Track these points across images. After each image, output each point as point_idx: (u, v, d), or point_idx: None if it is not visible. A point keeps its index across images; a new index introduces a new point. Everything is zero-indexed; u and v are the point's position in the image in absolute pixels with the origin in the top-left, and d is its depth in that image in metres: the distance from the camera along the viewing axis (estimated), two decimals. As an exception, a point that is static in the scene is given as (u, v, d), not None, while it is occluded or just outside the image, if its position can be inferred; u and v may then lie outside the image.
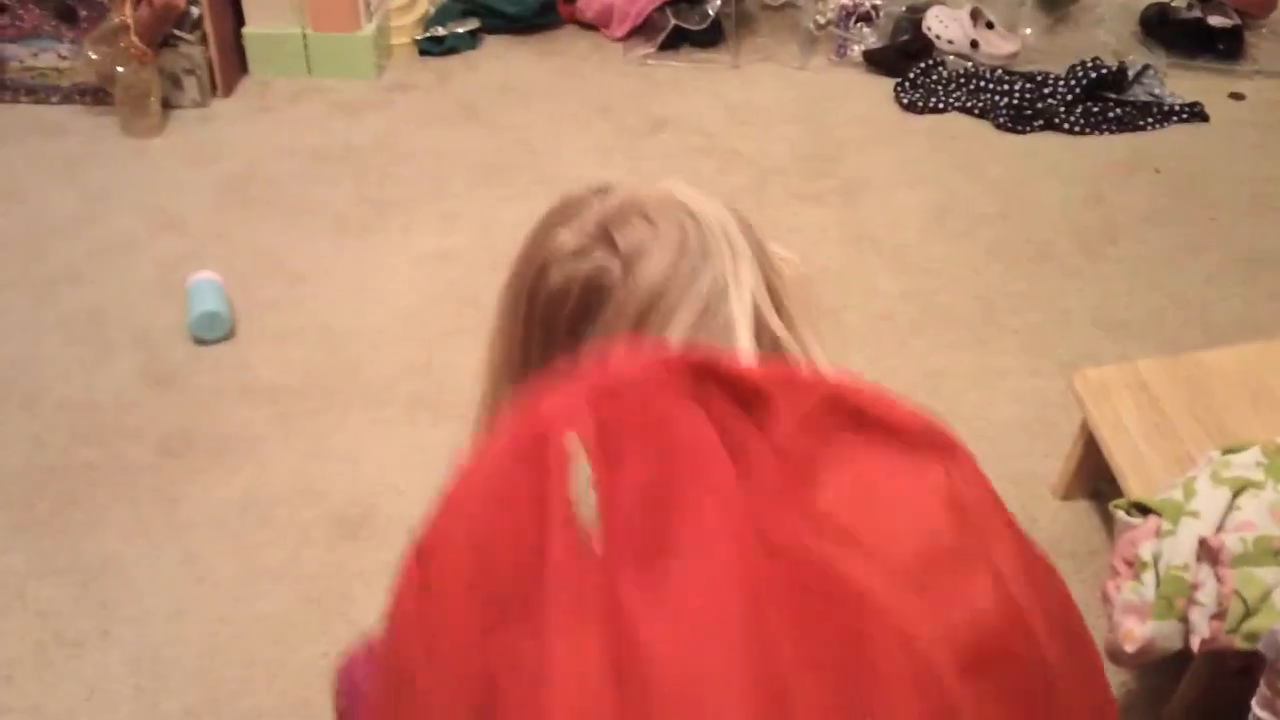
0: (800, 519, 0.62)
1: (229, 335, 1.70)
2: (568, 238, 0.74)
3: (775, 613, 0.57)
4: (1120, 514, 1.17)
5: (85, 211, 1.98)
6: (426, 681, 0.62)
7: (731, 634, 0.55)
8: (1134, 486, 1.25)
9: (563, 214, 0.75)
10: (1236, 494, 1.12)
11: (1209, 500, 1.11)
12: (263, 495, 1.48)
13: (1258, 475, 1.13)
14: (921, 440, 0.66)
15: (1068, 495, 1.48)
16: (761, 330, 0.73)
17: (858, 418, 0.66)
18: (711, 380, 0.64)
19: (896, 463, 0.66)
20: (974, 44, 2.36)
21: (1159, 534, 1.10)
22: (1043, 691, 0.61)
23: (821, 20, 2.44)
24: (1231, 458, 1.17)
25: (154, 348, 1.70)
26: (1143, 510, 1.15)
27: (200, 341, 1.69)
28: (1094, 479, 1.44)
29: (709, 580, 0.57)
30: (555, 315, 0.76)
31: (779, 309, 0.75)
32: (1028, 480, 1.51)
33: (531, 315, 0.78)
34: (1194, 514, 1.10)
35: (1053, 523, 1.46)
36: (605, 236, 0.74)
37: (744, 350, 0.71)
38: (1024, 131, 2.20)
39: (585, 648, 0.56)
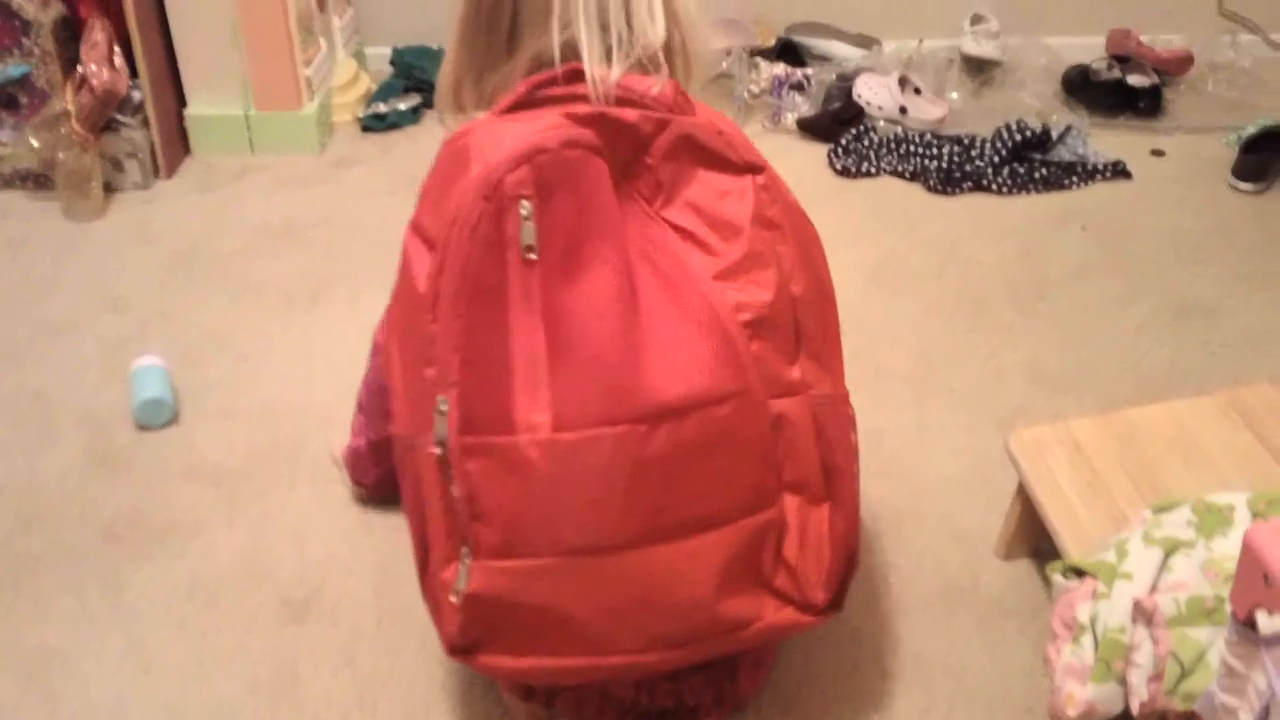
0: (663, 228, 1.14)
1: (173, 420, 1.71)
2: None
3: (644, 288, 1.10)
4: (1056, 577, 1.19)
5: (27, 294, 1.98)
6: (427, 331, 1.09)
7: (616, 305, 1.08)
8: (1070, 547, 1.28)
9: None
10: (1169, 554, 1.13)
11: (1142, 561, 1.13)
12: (209, 578, 1.48)
13: (1189, 534, 1.15)
14: (744, 168, 1.16)
15: (1009, 555, 1.50)
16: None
17: (700, 151, 1.14)
18: (611, 127, 1.10)
19: (725, 185, 1.15)
20: (903, 109, 2.43)
21: (1095, 596, 1.12)
22: (795, 335, 1.17)
23: (755, 90, 2.50)
24: (1163, 516, 1.20)
25: (98, 430, 1.70)
26: (1078, 572, 1.17)
27: (144, 427, 1.69)
28: (1035, 538, 1.47)
29: (604, 279, 1.08)
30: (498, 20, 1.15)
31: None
32: (970, 537, 1.54)
33: (480, 20, 1.17)
34: (1127, 575, 1.12)
35: (995, 580, 1.49)
36: None
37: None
38: (954, 193, 2.26)
39: (534, 335, 1.07)
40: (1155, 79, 2.51)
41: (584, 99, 1.11)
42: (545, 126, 1.09)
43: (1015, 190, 2.27)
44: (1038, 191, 2.27)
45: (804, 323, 1.18)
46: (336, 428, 1.65)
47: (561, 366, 1.07)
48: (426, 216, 1.16)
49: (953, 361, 1.85)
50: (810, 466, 1.18)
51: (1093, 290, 2.01)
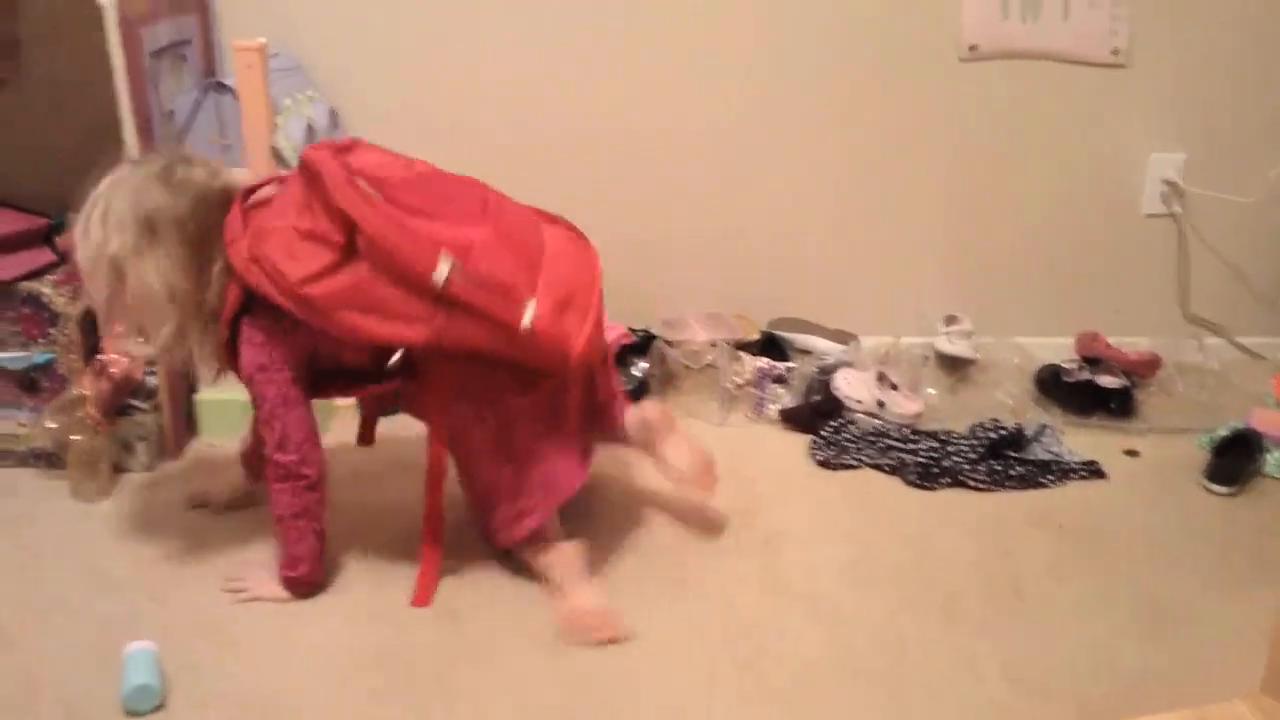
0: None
1: (160, 706, 1.73)
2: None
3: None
4: None
5: (28, 572, 2.03)
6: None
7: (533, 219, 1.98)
8: None
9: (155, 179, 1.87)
10: None
11: None
12: None
13: None
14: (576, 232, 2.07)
15: None
16: None
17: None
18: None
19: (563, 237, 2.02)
20: (880, 404, 2.54)
21: None
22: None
23: (739, 380, 2.62)
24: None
25: (83, 718, 1.71)
26: None
27: (132, 714, 1.71)
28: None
29: (520, 211, 1.97)
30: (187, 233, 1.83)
31: None
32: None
33: (185, 238, 1.83)
34: None
35: None
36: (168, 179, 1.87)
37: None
38: (932, 488, 2.34)
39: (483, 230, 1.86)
40: (1125, 380, 2.62)
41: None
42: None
43: (992, 487, 2.34)
44: (1014, 489, 2.35)
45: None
46: (315, 714, 1.67)
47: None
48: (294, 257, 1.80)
49: (929, 658, 1.87)
50: None
51: (1068, 590, 2.05)
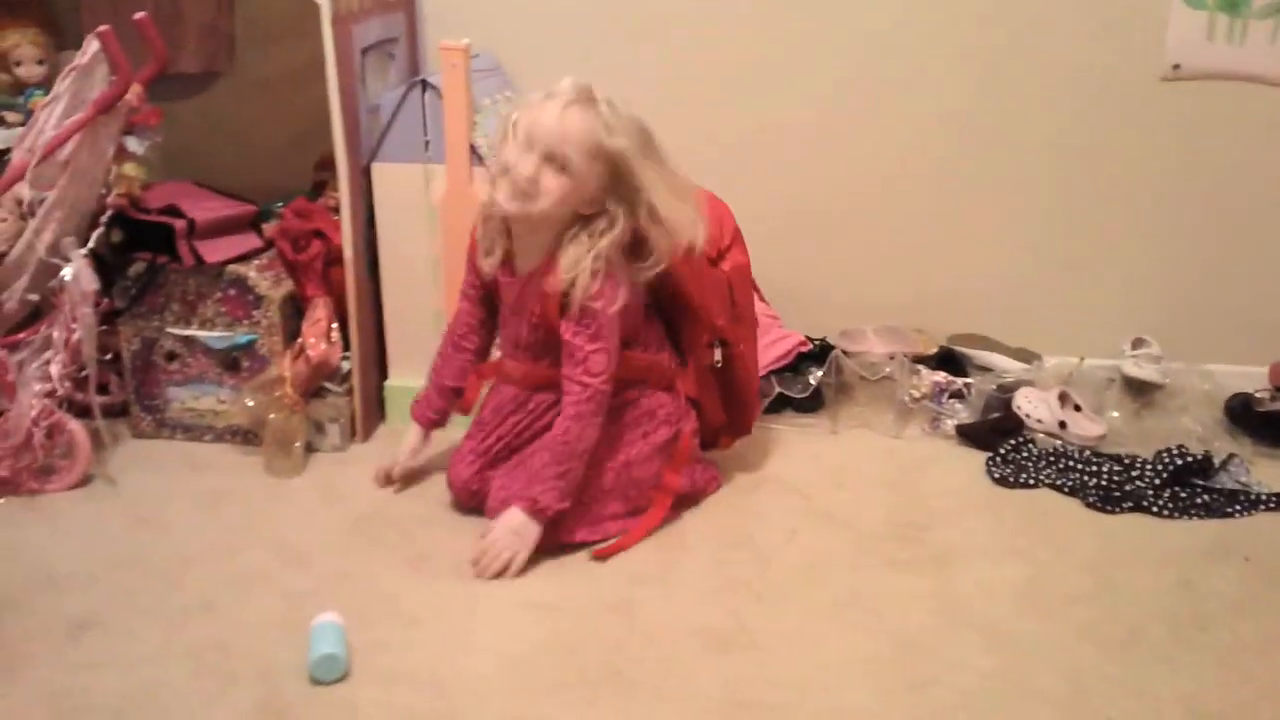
0: None
1: (344, 677, 1.80)
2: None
3: None
4: None
5: (223, 544, 2.14)
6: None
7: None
8: None
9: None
10: None
11: None
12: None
13: None
14: None
15: None
16: None
17: None
18: None
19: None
20: (1062, 424, 2.48)
21: None
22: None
23: (916, 394, 2.59)
24: None
25: (273, 684, 1.79)
26: None
27: (317, 682, 1.79)
28: None
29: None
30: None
31: None
32: None
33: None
34: None
35: None
36: None
37: None
38: (1113, 512, 2.28)
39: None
40: (1322, 412, 2.51)
41: None
42: None
43: (1176, 514, 2.27)
44: (1199, 518, 2.27)
45: None
46: (490, 703, 1.72)
47: None
48: None
49: (1108, 690, 1.82)
50: None
51: (1254, 627, 1.97)
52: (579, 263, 2.02)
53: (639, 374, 2.18)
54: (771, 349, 2.57)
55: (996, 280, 2.82)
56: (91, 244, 2.26)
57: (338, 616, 1.88)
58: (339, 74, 2.26)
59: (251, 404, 2.34)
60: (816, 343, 2.70)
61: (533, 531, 2.06)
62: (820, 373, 2.60)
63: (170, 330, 2.41)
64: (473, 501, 2.21)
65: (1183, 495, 2.30)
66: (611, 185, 2.01)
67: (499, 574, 2.03)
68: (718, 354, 2.27)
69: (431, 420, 2.31)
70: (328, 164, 2.41)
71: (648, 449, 2.18)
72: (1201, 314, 2.78)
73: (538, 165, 1.98)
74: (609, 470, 2.15)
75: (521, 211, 2.02)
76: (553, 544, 2.10)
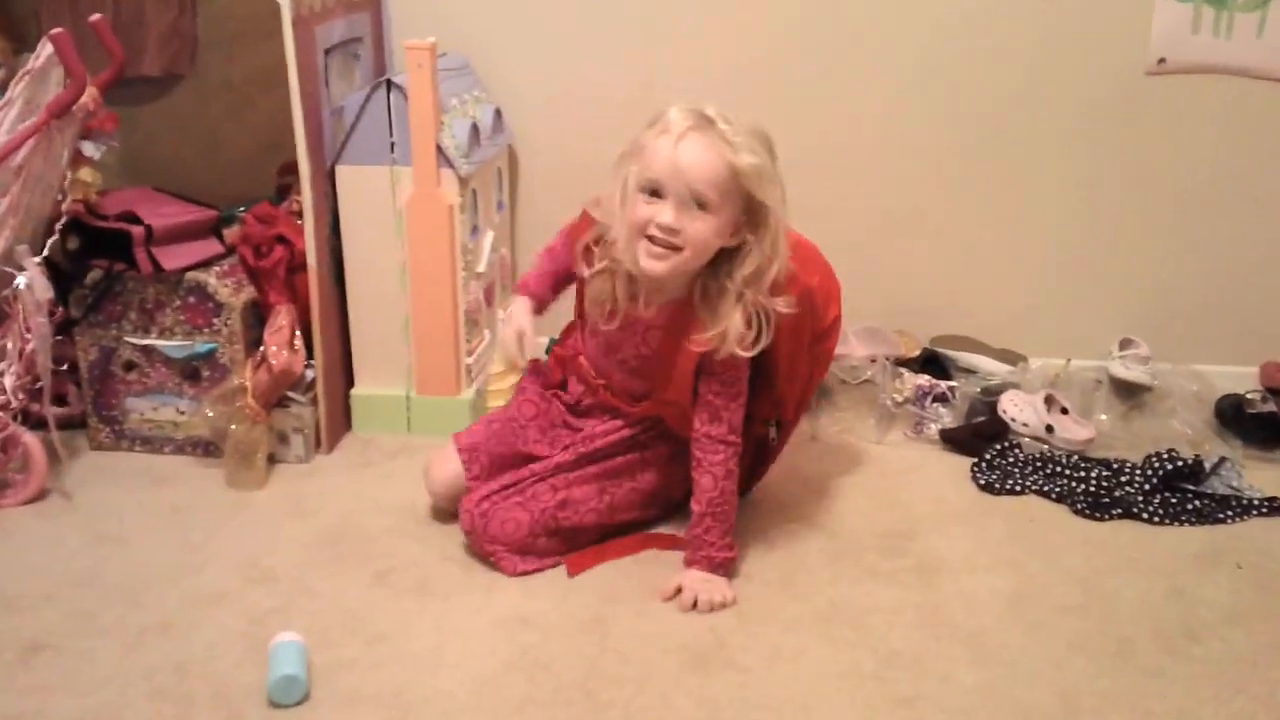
0: None
1: (305, 699, 1.73)
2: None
3: None
4: None
5: (183, 560, 2.07)
6: None
7: None
8: None
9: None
10: None
11: None
12: None
13: None
14: None
15: None
16: None
17: None
18: None
19: None
20: (1049, 428, 2.42)
21: None
22: None
23: (899, 398, 2.53)
24: None
25: (231, 707, 1.73)
26: None
27: (276, 705, 1.72)
28: None
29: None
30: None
31: None
32: None
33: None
34: None
35: None
36: None
37: None
38: (1102, 519, 2.22)
39: None
40: (1314, 414, 2.47)
41: None
42: None
43: (1166, 521, 2.21)
44: (1190, 524, 2.22)
45: None
46: (461, 726, 1.65)
47: None
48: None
49: (1098, 705, 1.76)
50: None
51: (1247, 636, 1.92)
52: (726, 315, 1.89)
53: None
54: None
55: (980, 280, 2.77)
56: (46, 251, 2.20)
57: (298, 636, 1.81)
58: (300, 76, 2.19)
59: (212, 415, 2.27)
60: (796, 347, 2.64)
61: (720, 577, 2.00)
62: (801, 378, 2.54)
63: (128, 339, 2.34)
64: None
65: (1173, 501, 2.25)
66: (745, 208, 1.86)
67: (721, 607, 1.95)
68: (773, 431, 2.19)
69: (537, 297, 2.15)
70: (292, 168, 2.34)
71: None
72: (1190, 313, 2.74)
73: (675, 213, 1.83)
74: (629, 489, 2.13)
75: (671, 270, 1.86)
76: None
